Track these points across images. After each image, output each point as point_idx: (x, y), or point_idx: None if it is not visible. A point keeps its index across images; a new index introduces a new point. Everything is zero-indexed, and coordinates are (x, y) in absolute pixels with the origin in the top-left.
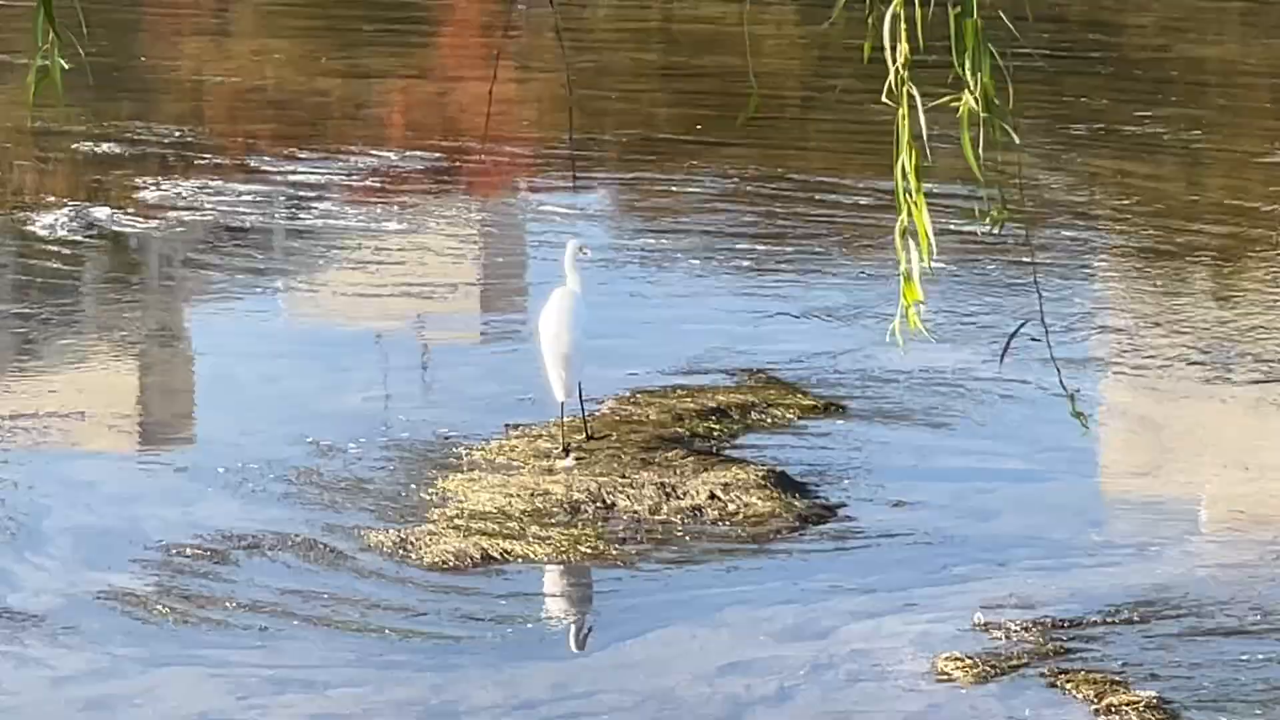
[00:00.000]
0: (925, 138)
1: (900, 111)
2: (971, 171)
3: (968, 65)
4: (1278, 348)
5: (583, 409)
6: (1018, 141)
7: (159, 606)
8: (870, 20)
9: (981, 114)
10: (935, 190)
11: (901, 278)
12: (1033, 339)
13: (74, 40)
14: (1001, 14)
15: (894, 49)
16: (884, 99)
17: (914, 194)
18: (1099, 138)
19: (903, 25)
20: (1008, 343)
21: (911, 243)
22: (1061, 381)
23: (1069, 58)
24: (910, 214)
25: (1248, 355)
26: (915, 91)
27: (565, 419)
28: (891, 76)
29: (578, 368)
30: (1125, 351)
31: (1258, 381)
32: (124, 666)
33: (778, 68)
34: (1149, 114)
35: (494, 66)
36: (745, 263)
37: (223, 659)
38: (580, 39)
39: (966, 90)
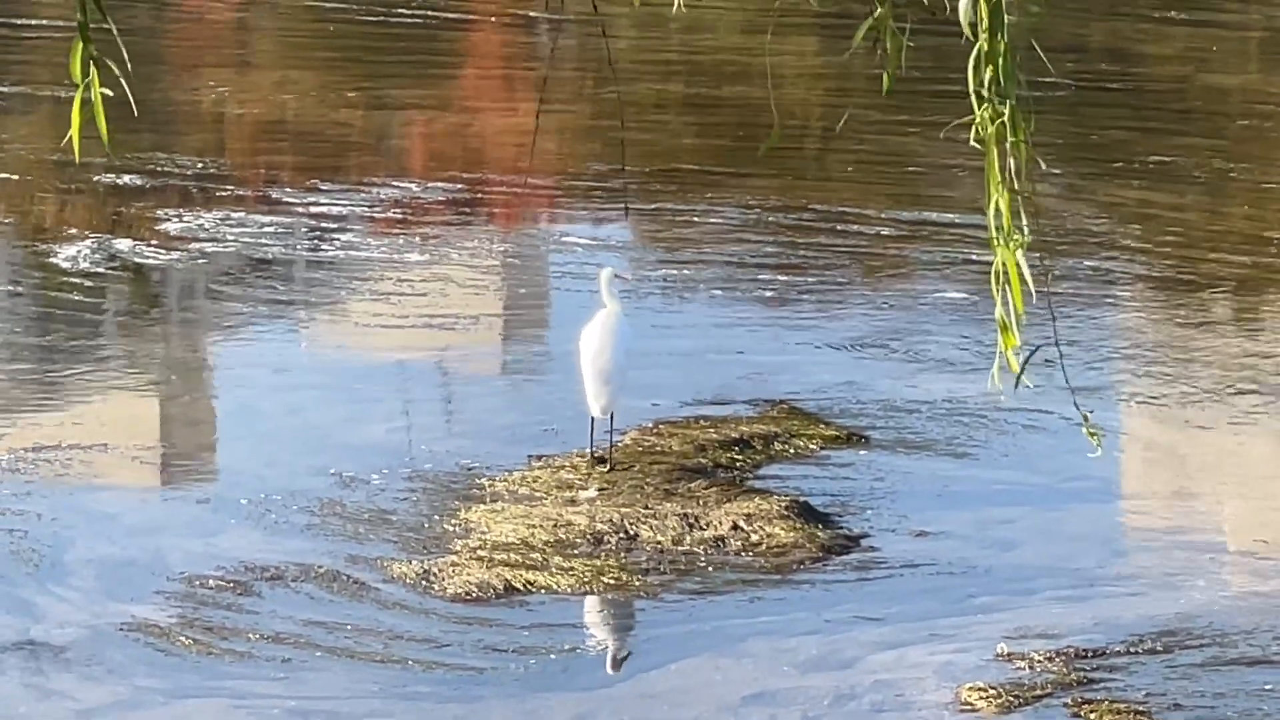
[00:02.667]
0: (1016, 176)
1: (989, 154)
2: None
3: (990, 86)
4: None
5: (611, 438)
6: (1043, 166)
7: (182, 638)
8: (890, 50)
9: (1009, 137)
10: (957, 221)
11: (998, 325)
12: (1047, 361)
13: (115, 72)
14: (1034, 44)
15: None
16: (972, 141)
17: (1007, 236)
18: (1121, 167)
19: (986, 61)
20: (1023, 366)
21: (1006, 287)
22: (1075, 402)
23: (1091, 88)
24: (1002, 257)
25: (1270, 384)
26: (1006, 129)
27: (595, 443)
28: (978, 115)
29: (617, 385)
30: (1147, 381)
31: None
32: (147, 698)
33: (799, 98)
34: (1171, 144)
35: (540, 93)
36: (767, 293)
37: (246, 690)
38: (603, 69)
39: (988, 110)
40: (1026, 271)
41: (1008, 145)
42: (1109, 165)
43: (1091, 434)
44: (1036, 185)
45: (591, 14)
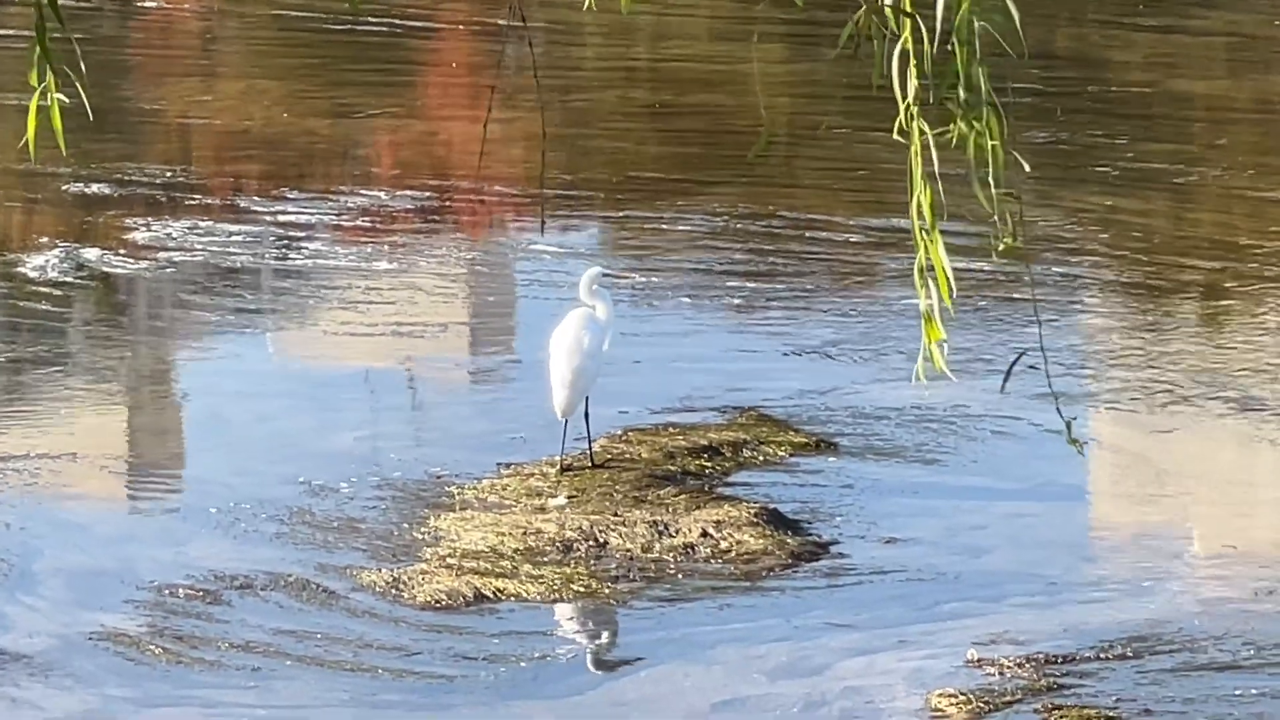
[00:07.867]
0: (937, 174)
1: (912, 148)
2: (964, 206)
3: (963, 96)
4: (1267, 382)
5: (588, 439)
6: (1027, 169)
7: (152, 647)
8: (878, 53)
9: (990, 142)
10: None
11: (922, 317)
12: (1031, 367)
13: (73, 80)
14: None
15: (904, 85)
16: (895, 135)
17: (930, 231)
18: (1088, 173)
19: (912, 61)
20: (1008, 371)
21: (931, 281)
22: (1058, 409)
23: (1057, 94)
24: (927, 251)
25: (1237, 389)
26: (926, 127)
27: (565, 450)
28: (901, 113)
29: (581, 389)
30: (1116, 387)
31: (1247, 415)
32: (116, 707)
33: (767, 104)
34: (1138, 149)
35: (490, 101)
36: (736, 300)
37: (216, 699)
38: (568, 78)
39: (965, 119)
40: (948, 265)
41: (987, 147)
42: (1076, 171)
43: (1073, 441)
44: (1012, 190)
45: (562, 22)
